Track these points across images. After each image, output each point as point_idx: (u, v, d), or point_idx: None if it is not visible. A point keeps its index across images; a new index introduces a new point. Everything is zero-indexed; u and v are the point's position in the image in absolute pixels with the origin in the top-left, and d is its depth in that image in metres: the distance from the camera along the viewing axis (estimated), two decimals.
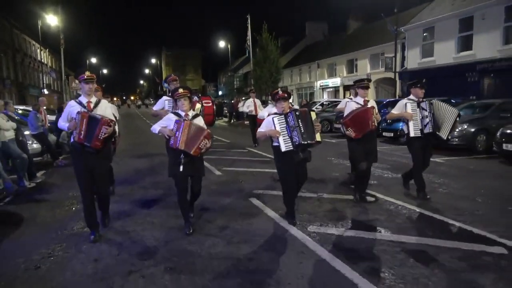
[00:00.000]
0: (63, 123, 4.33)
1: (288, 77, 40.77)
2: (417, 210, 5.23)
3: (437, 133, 5.54)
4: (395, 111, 5.87)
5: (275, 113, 4.69)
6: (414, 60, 22.47)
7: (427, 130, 5.54)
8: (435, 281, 3.21)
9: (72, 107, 4.28)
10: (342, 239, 4.24)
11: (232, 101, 29.91)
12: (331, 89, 32.87)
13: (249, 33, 28.13)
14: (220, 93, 67.77)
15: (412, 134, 5.60)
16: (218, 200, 5.92)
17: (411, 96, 5.78)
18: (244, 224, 4.79)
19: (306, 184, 5.18)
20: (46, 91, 41.92)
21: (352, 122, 5.38)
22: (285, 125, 4.51)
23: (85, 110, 4.21)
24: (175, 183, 4.50)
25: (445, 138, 5.58)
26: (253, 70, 28.49)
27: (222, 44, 44.83)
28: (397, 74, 22.96)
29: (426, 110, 5.54)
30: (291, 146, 4.47)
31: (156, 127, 4.50)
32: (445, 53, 20.02)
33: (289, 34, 49.60)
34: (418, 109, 5.59)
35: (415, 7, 25.22)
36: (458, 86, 18.35)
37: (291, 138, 4.47)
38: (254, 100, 11.75)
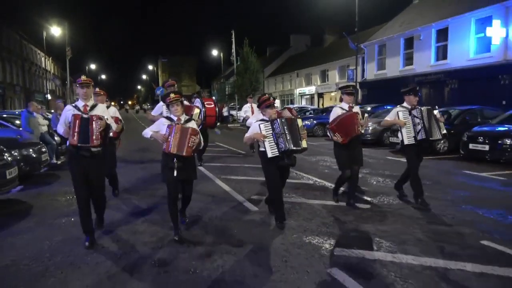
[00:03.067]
0: (60, 127, 4.27)
1: (272, 84, 44.49)
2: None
3: (431, 138, 5.56)
4: (389, 118, 5.94)
5: (262, 120, 4.74)
6: (371, 72, 26.17)
7: (420, 137, 5.53)
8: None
9: (68, 111, 4.25)
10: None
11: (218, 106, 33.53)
12: (308, 96, 36.61)
13: (233, 46, 31.88)
14: (213, 98, 71.35)
15: (406, 142, 5.62)
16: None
17: (404, 104, 5.79)
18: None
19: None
20: (49, 97, 45.57)
21: (338, 128, 5.40)
22: (271, 132, 4.56)
23: (78, 113, 4.18)
24: (167, 188, 4.42)
25: (441, 137, 5.73)
26: (236, 80, 32.25)
27: (215, 53, 48.35)
28: (358, 84, 26.66)
29: (418, 118, 5.54)
30: (277, 152, 4.52)
31: (148, 132, 4.48)
32: (393, 67, 23.75)
33: (277, 44, 53.49)
34: (410, 117, 5.61)
35: (374, 26, 29.01)
36: (402, 95, 22.01)
37: (277, 144, 4.52)
38: (251, 105, 11.48)
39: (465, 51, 18.64)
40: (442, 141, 11.49)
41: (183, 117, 4.45)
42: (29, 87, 40.67)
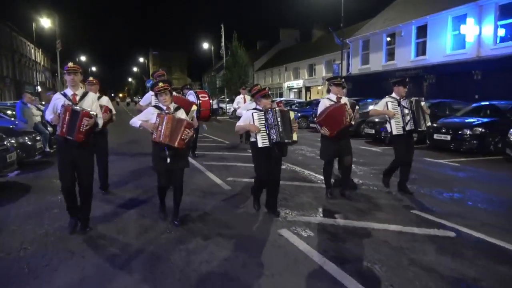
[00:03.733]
0: (48, 114, 4.26)
1: (262, 78, 45.14)
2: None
3: (419, 129, 5.70)
4: (378, 107, 5.99)
5: (255, 109, 4.71)
6: (356, 66, 27.00)
7: (409, 127, 5.64)
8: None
9: (58, 100, 4.22)
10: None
11: None
12: (296, 90, 37.39)
13: (222, 40, 32.43)
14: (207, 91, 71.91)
15: (395, 132, 5.72)
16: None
17: (393, 94, 5.86)
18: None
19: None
20: (39, 88, 45.57)
21: (325, 121, 5.38)
22: (264, 122, 4.54)
23: (69, 103, 4.14)
24: (157, 176, 4.54)
25: (425, 128, 5.87)
26: (225, 73, 32.90)
27: (206, 46, 48.65)
28: (343, 78, 27.47)
29: (407, 108, 5.64)
30: (268, 143, 4.52)
31: (136, 121, 4.45)
32: (377, 62, 24.61)
33: (267, 38, 54.09)
34: (399, 108, 5.69)
35: (360, 22, 29.79)
36: (384, 89, 22.85)
37: (268, 135, 4.52)
38: (244, 97, 11.48)
39: (442, 47, 19.55)
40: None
41: (172, 106, 4.45)
42: (19, 79, 40.79)
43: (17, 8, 63.66)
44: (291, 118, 4.66)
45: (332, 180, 6.13)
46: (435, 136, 10.81)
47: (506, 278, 3.27)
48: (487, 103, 11.89)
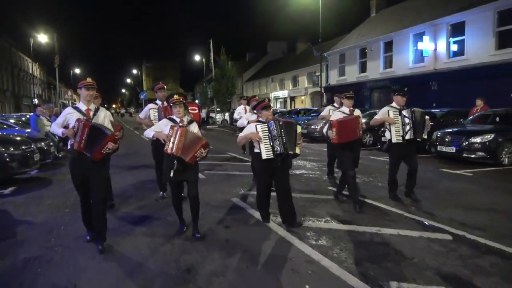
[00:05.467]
0: (56, 128, 4.23)
1: (250, 89, 47.40)
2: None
3: (418, 139, 5.77)
4: (378, 116, 6.03)
5: (259, 121, 4.72)
6: (334, 78, 29.28)
7: (408, 136, 5.71)
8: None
9: (70, 114, 4.21)
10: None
11: None
12: (281, 100, 39.66)
13: (211, 54, 34.71)
14: (197, 101, 74.13)
15: (394, 140, 5.77)
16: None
17: (393, 104, 5.95)
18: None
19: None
20: (36, 101, 47.43)
21: (340, 126, 5.41)
22: (267, 134, 4.54)
23: (86, 119, 4.13)
24: (170, 187, 4.63)
25: (420, 139, 5.86)
26: (213, 85, 35.15)
27: (197, 58, 50.73)
28: (322, 88, 29.75)
29: (408, 117, 5.71)
30: (272, 154, 4.51)
31: (149, 132, 4.54)
32: (352, 74, 26.91)
33: (255, 50, 56.40)
34: (400, 117, 5.76)
35: (338, 37, 32.23)
36: (357, 99, 25.18)
37: (272, 147, 4.50)
38: (245, 107, 11.25)
39: (405, 61, 21.88)
40: (367, 135, 14.57)
41: (186, 119, 4.48)
42: (18, 92, 42.62)
43: (15, 24, 65.67)
44: (298, 132, 4.68)
45: (344, 195, 6.24)
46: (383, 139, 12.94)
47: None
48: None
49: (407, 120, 5.75)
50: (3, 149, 7.73)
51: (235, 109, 31.56)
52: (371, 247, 4.25)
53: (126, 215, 5.68)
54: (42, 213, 5.89)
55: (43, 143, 10.68)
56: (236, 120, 9.11)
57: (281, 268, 3.75)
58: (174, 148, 4.18)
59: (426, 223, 5.07)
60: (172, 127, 4.30)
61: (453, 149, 9.98)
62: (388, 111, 5.91)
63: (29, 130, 13.24)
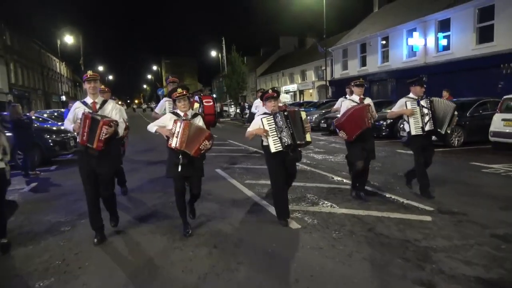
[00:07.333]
0: (68, 124, 4.31)
1: (263, 83, 49.35)
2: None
3: (438, 130, 5.53)
4: (395, 109, 5.84)
5: (265, 113, 4.63)
6: (338, 72, 30.95)
7: (428, 127, 5.50)
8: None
9: (78, 108, 4.25)
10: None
11: None
12: (291, 93, 41.49)
13: (223, 51, 36.94)
14: (214, 96, 76.76)
15: (413, 132, 5.57)
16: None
17: (411, 95, 5.73)
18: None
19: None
20: (64, 98, 51.02)
21: (344, 125, 5.34)
22: (274, 126, 4.43)
23: (89, 111, 4.14)
24: (174, 183, 4.41)
25: (443, 132, 5.57)
26: (225, 81, 37.44)
27: (213, 53, 52.89)
28: (328, 82, 31.48)
29: (427, 108, 5.50)
30: (281, 146, 4.40)
31: (152, 127, 4.39)
32: (353, 68, 28.55)
33: (270, 45, 58.16)
34: (418, 107, 5.54)
35: (343, 32, 33.80)
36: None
37: (280, 138, 4.40)
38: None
39: (400, 55, 23.43)
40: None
41: (190, 113, 4.41)
42: (47, 90, 46.13)
43: (42, 26, 69.74)
44: (303, 118, 4.57)
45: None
46: None
47: None
48: None
49: (425, 111, 5.53)
50: (48, 136, 10.14)
51: (246, 103, 33.90)
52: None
53: (135, 210, 5.70)
54: (75, 184, 7.10)
55: (75, 133, 13.10)
56: (253, 114, 8.72)
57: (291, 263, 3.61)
58: (177, 143, 4.12)
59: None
60: (175, 121, 4.22)
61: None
62: (406, 102, 5.69)
63: (61, 122, 15.83)
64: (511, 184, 6.71)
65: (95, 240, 4.34)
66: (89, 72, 4.28)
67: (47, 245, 4.41)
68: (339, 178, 7.49)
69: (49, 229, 4.98)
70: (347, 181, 6.94)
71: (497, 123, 10.14)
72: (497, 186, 6.49)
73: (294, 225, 4.70)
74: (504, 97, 10.50)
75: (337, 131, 5.60)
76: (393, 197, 5.89)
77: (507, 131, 9.85)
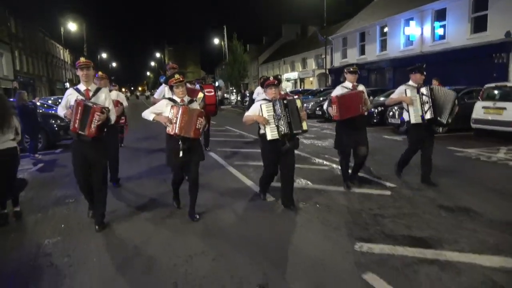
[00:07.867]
0: (61, 110, 4.26)
1: (265, 70, 49.65)
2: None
3: (438, 118, 5.42)
4: (394, 95, 5.76)
5: (264, 99, 4.63)
6: (338, 60, 31.25)
7: (428, 116, 5.38)
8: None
9: (70, 95, 4.22)
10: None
11: None
12: (292, 81, 41.90)
13: (225, 39, 37.27)
14: (216, 84, 77.02)
15: (413, 121, 5.47)
16: None
17: (410, 82, 5.63)
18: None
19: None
20: (68, 85, 51.72)
21: (339, 101, 5.13)
22: (272, 113, 4.43)
23: (82, 98, 4.12)
24: (172, 169, 4.57)
25: (445, 122, 5.47)
26: (227, 69, 37.90)
27: (216, 41, 52.94)
28: (327, 70, 31.84)
29: (427, 96, 5.39)
30: (277, 135, 4.43)
31: (148, 114, 4.39)
32: (353, 56, 28.84)
33: (273, 33, 58.17)
34: (418, 95, 5.44)
35: (343, 21, 34.01)
36: (358, 79, 27.32)
37: (277, 127, 4.42)
38: None
39: (397, 44, 23.74)
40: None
41: (186, 99, 4.40)
42: (52, 77, 46.80)
43: (46, 12, 70.11)
44: (299, 107, 4.55)
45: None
46: None
47: None
48: None
49: (425, 99, 5.41)
50: (53, 121, 10.79)
51: (246, 91, 34.37)
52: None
53: (132, 197, 5.75)
54: None
55: (66, 120, 13.77)
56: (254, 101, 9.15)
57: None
58: (177, 128, 4.13)
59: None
60: (172, 107, 4.22)
61: (398, 121, 12.41)
62: (405, 89, 5.60)
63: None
64: (477, 165, 7.29)
65: (97, 227, 4.33)
66: (82, 59, 4.29)
67: (54, 213, 5.08)
68: (320, 160, 8.08)
69: (55, 201, 5.65)
70: (327, 163, 7.54)
71: (478, 110, 10.66)
72: (461, 167, 7.06)
73: (270, 198, 5.28)
74: (486, 85, 11.00)
75: (327, 106, 5.55)
76: (362, 175, 6.31)
77: (487, 118, 10.38)
